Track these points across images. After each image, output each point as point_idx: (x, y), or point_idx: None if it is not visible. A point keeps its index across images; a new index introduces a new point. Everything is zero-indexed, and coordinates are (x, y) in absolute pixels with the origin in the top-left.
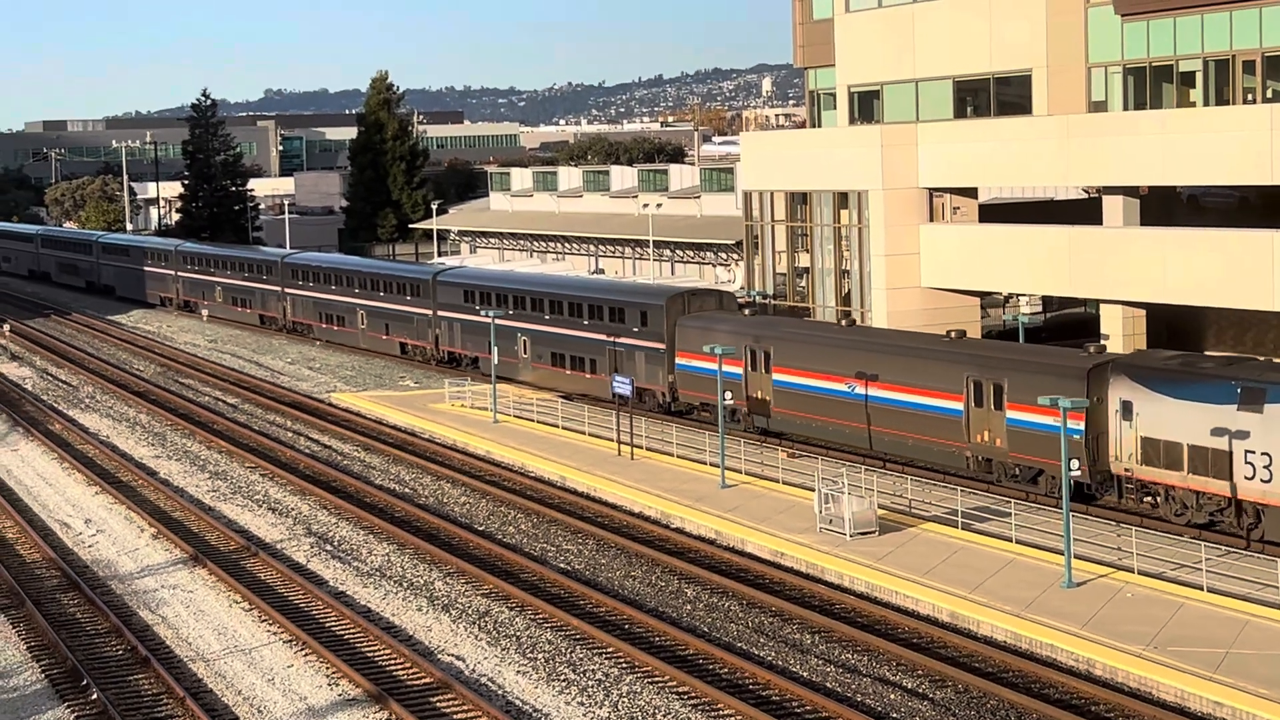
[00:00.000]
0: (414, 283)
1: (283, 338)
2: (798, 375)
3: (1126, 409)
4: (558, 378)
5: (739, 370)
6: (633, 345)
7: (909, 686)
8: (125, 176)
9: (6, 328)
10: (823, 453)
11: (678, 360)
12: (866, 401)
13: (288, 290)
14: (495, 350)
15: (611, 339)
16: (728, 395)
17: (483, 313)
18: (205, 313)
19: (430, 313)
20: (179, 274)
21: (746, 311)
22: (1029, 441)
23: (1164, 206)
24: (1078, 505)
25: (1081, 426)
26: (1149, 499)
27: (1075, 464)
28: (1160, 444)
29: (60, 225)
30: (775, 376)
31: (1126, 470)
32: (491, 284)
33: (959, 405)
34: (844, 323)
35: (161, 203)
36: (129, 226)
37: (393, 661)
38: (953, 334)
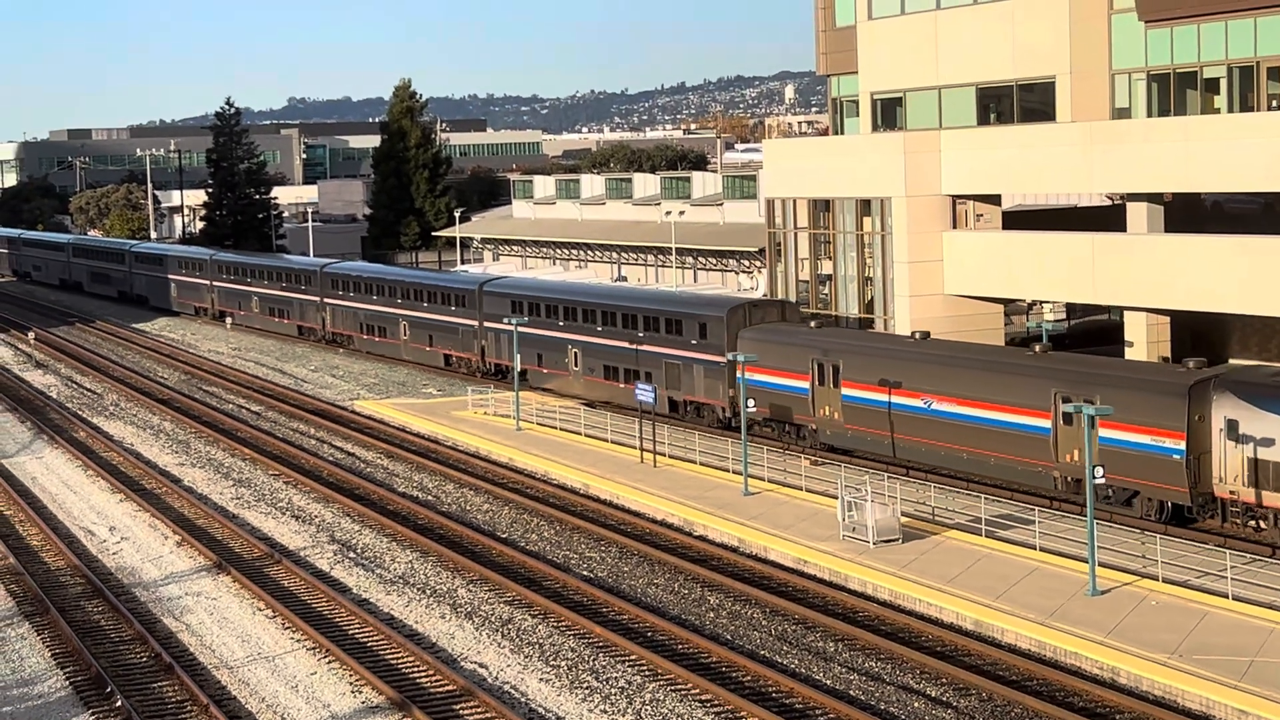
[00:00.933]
0: (459, 293)
1: (306, 345)
2: (870, 390)
3: (1232, 428)
4: (611, 391)
5: (805, 385)
6: (691, 358)
7: (933, 695)
8: (149, 185)
9: (32, 335)
10: (900, 473)
11: (739, 374)
12: (944, 419)
13: (327, 300)
14: (518, 357)
15: (669, 351)
16: (750, 406)
17: (507, 320)
18: (230, 321)
19: (476, 324)
20: (214, 284)
21: (812, 323)
22: (1123, 462)
23: (1188, 213)
24: (1183, 530)
25: (1182, 446)
26: (1254, 523)
27: (1099, 471)
28: (1271, 465)
29: (85, 233)
30: (845, 391)
31: (1231, 493)
32: (541, 294)
33: (1047, 423)
34: (918, 334)
35: (185, 211)
36: (153, 235)
37: (416, 669)
38: (1039, 348)
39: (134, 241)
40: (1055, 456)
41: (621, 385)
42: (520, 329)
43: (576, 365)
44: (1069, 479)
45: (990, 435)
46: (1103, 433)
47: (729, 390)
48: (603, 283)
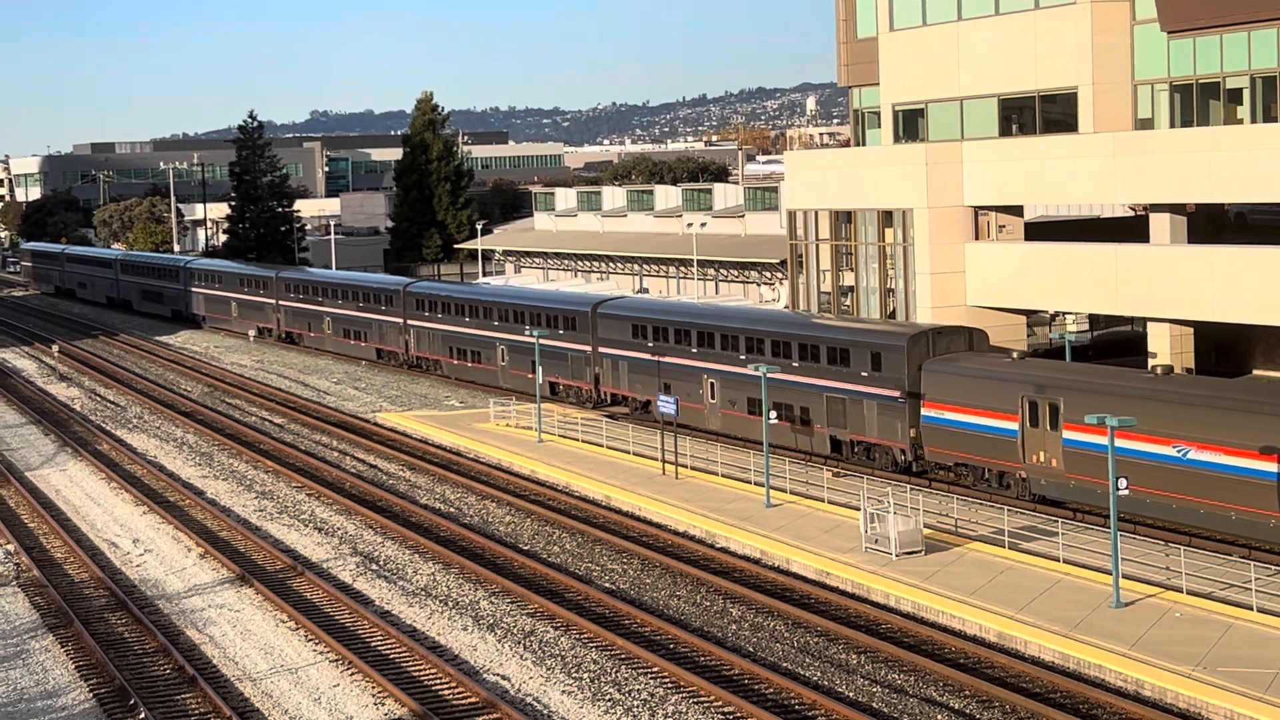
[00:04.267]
0: (568, 315)
1: (328, 357)
2: (1101, 434)
3: None
4: (756, 427)
5: (1012, 425)
6: (860, 392)
7: (956, 707)
8: (173, 198)
9: (55, 348)
10: (1130, 530)
11: (924, 411)
12: (1207, 470)
13: (411, 322)
14: (540, 369)
15: (832, 384)
16: (1122, 482)
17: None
18: (252, 334)
19: (589, 349)
20: (280, 303)
21: (1014, 354)
22: None
23: (1211, 224)
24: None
25: None
26: None
27: (1123, 483)
28: None
29: (108, 246)
30: (1066, 435)
31: None
32: (669, 317)
33: None
34: (1159, 370)
35: (208, 224)
36: (176, 247)
37: (438, 681)
38: None
39: (188, 257)
40: None
41: (772, 422)
42: (641, 355)
43: (713, 398)
44: None
45: (1266, 491)
46: None
47: (909, 430)
48: (743, 303)
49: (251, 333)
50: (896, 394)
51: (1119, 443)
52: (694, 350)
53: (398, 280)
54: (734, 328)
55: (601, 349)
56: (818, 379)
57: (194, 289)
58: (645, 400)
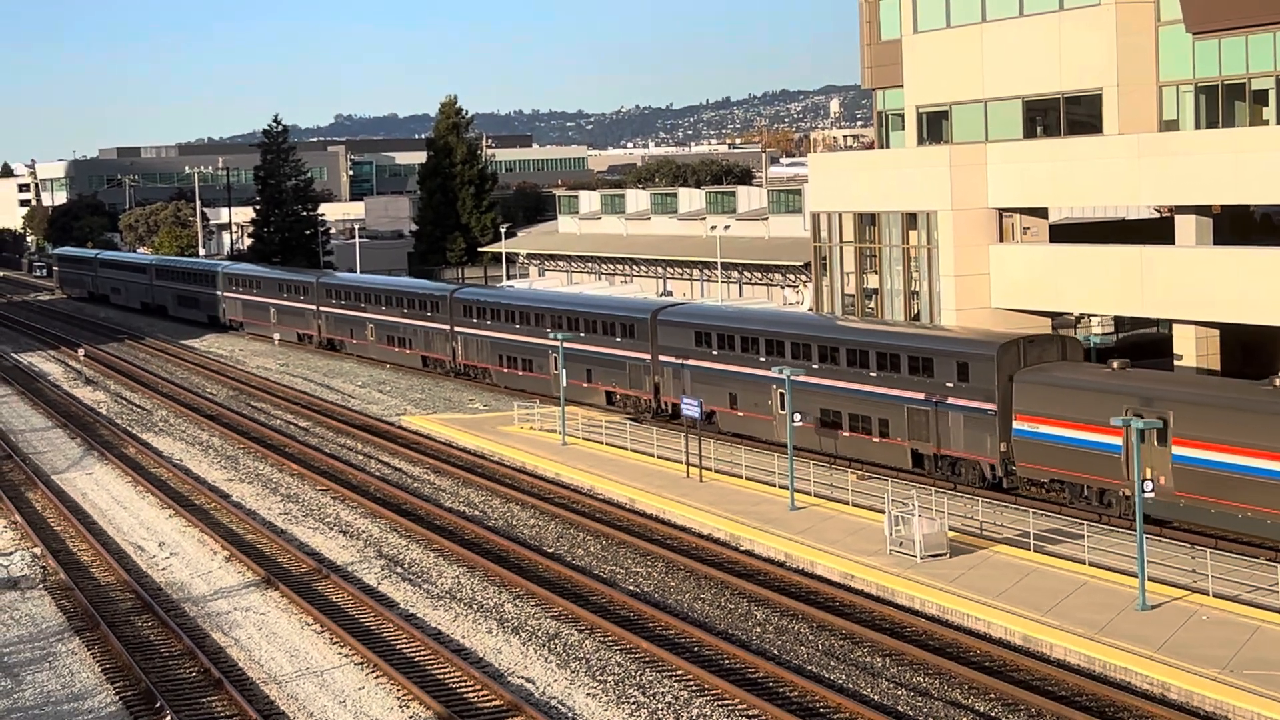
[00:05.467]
0: (626, 322)
1: (354, 361)
2: (1217, 451)
3: None
4: (829, 439)
5: (1114, 440)
6: (946, 404)
7: (981, 710)
8: (198, 202)
9: (81, 352)
10: (1243, 551)
11: (1016, 424)
12: None
13: (458, 329)
14: (563, 373)
15: (912, 395)
16: (1147, 485)
17: (710, 353)
18: (277, 337)
19: (648, 357)
20: (321, 309)
21: (1114, 364)
22: None
23: (1237, 225)
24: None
25: None
26: None
27: (1149, 485)
28: None
29: (133, 250)
30: (1177, 451)
31: None
32: (735, 324)
33: None
34: (1277, 382)
35: (233, 228)
36: (201, 251)
37: (463, 684)
38: None
39: (225, 262)
40: None
41: (846, 434)
42: (704, 364)
43: (783, 408)
44: None
45: None
46: None
47: (999, 444)
48: (811, 311)
49: (276, 336)
50: (986, 405)
51: (1232, 459)
52: (762, 359)
53: (444, 285)
54: (804, 336)
55: (662, 357)
56: (898, 389)
57: (231, 294)
58: (710, 411)
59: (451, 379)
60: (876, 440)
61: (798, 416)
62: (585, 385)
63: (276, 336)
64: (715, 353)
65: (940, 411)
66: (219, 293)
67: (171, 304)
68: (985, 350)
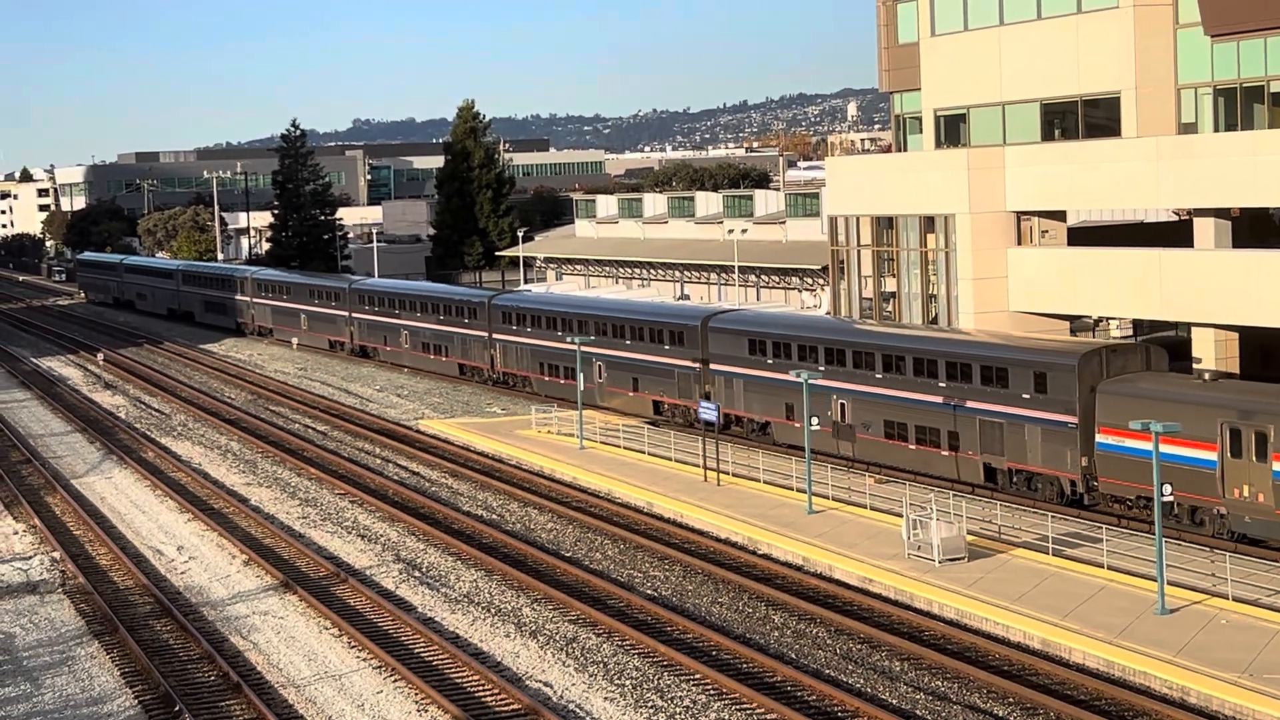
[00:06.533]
0: (675, 329)
1: (371, 365)
2: None
3: None
4: (895, 452)
5: (1209, 455)
6: (1022, 416)
7: (1000, 715)
8: (216, 206)
9: (101, 357)
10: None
11: (1099, 438)
12: None
13: (496, 336)
14: (581, 376)
15: (986, 407)
16: (1166, 489)
17: (770, 363)
18: (296, 341)
19: (697, 366)
20: (353, 315)
21: (1205, 375)
22: None
23: (1256, 228)
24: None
25: None
26: None
27: (1168, 489)
28: None
29: (153, 255)
30: (1278, 467)
31: None
32: (792, 332)
33: None
34: None
35: (251, 232)
36: (219, 256)
37: (481, 688)
38: None
39: (254, 267)
40: None
41: (912, 446)
42: (759, 373)
43: (845, 420)
44: None
45: None
46: None
47: (1080, 459)
48: (880, 324)
49: (295, 341)
50: (1066, 418)
51: None
52: (822, 369)
53: (483, 291)
54: (864, 344)
55: (713, 365)
56: (970, 400)
57: (260, 300)
58: (764, 422)
59: (471, 383)
60: (946, 453)
61: (864, 426)
62: (631, 395)
63: (295, 341)
64: (770, 361)
65: (1016, 424)
66: (248, 298)
67: (199, 310)
68: (1066, 360)
